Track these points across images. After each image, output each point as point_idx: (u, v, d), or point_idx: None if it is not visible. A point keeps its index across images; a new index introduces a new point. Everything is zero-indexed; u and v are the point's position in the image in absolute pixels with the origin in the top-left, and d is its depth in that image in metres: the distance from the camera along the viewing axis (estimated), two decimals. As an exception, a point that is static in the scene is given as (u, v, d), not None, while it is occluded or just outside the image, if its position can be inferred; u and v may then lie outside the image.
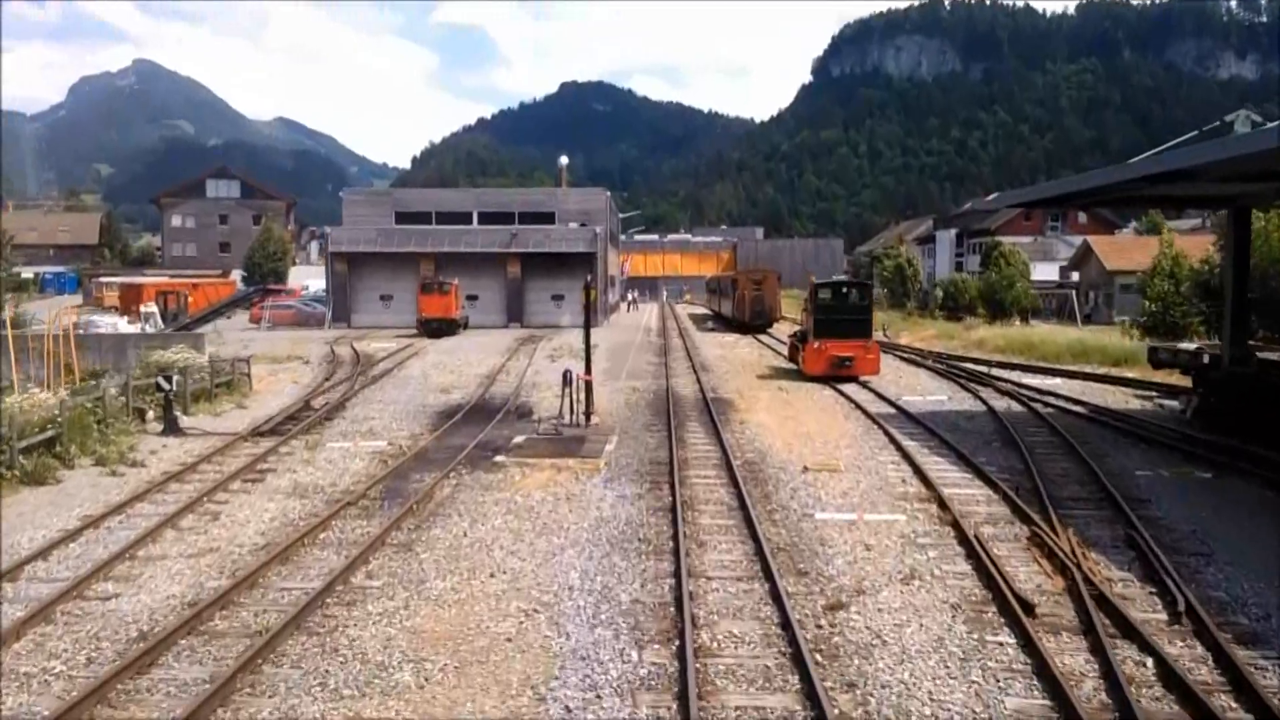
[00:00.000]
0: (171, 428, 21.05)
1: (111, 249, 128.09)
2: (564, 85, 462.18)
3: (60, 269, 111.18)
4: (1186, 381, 26.22)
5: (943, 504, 13.81)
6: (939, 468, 16.61)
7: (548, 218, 61.52)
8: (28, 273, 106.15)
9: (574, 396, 21.40)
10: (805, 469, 16.51)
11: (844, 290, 30.50)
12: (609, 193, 64.69)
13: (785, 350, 39.88)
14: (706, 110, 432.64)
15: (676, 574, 10.65)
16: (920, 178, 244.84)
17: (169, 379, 21.26)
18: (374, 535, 12.38)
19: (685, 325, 60.43)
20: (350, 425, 22.06)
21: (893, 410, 23.94)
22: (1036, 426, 21.30)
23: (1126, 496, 14.32)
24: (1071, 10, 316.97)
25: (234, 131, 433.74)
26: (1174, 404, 24.46)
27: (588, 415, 21.42)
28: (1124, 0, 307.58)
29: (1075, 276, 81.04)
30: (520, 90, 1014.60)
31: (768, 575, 10.58)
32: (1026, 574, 10.94)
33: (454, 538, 12.55)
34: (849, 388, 27.98)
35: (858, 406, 24.32)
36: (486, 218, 61.68)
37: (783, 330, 53.57)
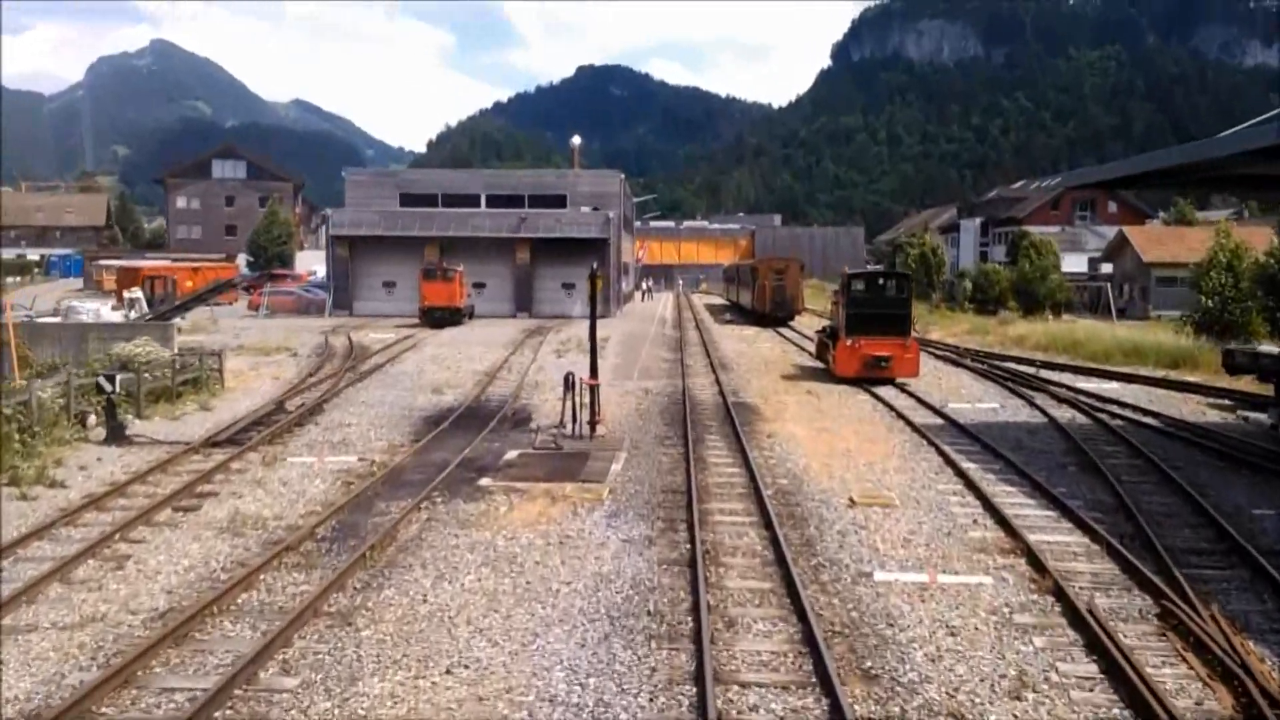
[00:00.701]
0: (115, 435, 18.34)
1: (125, 231, 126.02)
2: (580, 68, 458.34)
3: (67, 251, 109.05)
4: (1265, 390, 23.37)
5: (1034, 559, 10.92)
6: (1014, 502, 13.73)
7: (559, 201, 58.64)
8: (34, 255, 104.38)
9: (577, 403, 18.62)
10: (852, 502, 13.63)
11: (880, 282, 27.46)
12: (623, 175, 61.62)
13: (811, 347, 36.97)
14: (724, 95, 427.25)
15: (699, 676, 7.82)
16: (940, 165, 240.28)
17: (110, 378, 18.53)
18: (308, 599, 9.59)
19: (701, 316, 57.50)
20: (322, 433, 19.30)
21: (940, 421, 21.04)
22: (1112, 445, 18.36)
23: (1259, 549, 11.40)
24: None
25: (250, 113, 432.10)
26: (1260, 417, 21.41)
27: (592, 425, 18.62)
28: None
29: (1106, 268, 77.71)
30: (537, 72, 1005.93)
31: (825, 683, 7.73)
32: (1175, 679, 8.06)
33: (410, 603, 9.74)
34: (886, 391, 25.08)
35: (899, 415, 21.43)
36: (495, 201, 58.87)
37: (805, 323, 50.62)
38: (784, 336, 42.99)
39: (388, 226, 56.08)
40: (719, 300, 76.58)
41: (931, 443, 18.05)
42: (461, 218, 56.10)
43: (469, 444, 17.83)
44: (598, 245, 55.04)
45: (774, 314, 49.03)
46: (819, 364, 31.08)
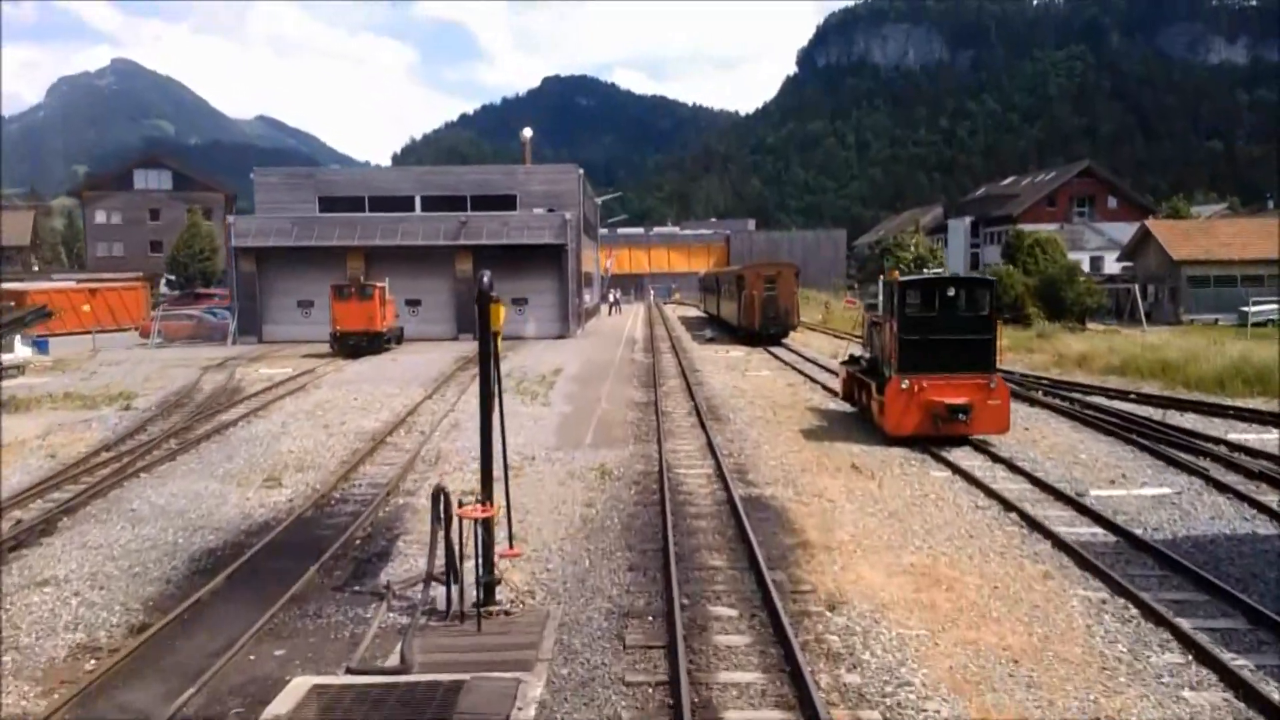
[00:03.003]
0: None
1: (70, 250, 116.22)
2: (546, 79, 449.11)
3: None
4: None
5: None
6: None
7: (507, 202, 49.63)
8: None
9: (456, 543, 9.57)
10: None
11: (950, 292, 18.26)
12: (581, 170, 52.58)
13: (820, 375, 28.20)
14: (691, 104, 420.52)
15: None
16: (909, 168, 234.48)
17: None
18: None
19: (678, 334, 48.52)
20: (-30, 609, 10.07)
21: (1104, 534, 12.19)
22: None
23: None
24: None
25: (214, 131, 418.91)
26: None
27: (489, 589, 9.50)
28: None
29: (1113, 268, 70.75)
30: (503, 85, 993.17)
31: None
32: None
33: None
34: (966, 457, 16.34)
35: (1028, 520, 12.56)
36: (431, 203, 49.83)
37: (800, 341, 41.89)
38: (782, 360, 34.13)
39: (302, 235, 46.77)
40: (695, 312, 67.66)
41: (1160, 617, 9.13)
42: (391, 223, 46.98)
43: (224, 649, 8.67)
44: (554, 252, 46.13)
45: (766, 330, 40.22)
46: (846, 405, 22.25)
